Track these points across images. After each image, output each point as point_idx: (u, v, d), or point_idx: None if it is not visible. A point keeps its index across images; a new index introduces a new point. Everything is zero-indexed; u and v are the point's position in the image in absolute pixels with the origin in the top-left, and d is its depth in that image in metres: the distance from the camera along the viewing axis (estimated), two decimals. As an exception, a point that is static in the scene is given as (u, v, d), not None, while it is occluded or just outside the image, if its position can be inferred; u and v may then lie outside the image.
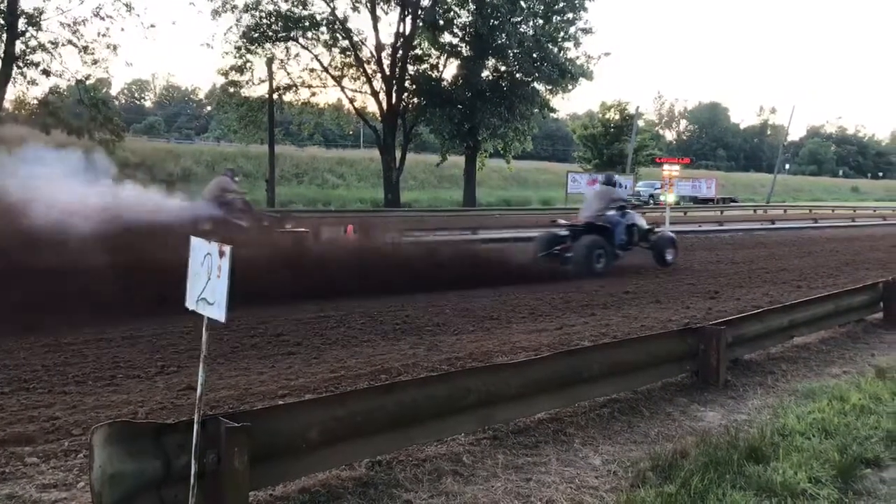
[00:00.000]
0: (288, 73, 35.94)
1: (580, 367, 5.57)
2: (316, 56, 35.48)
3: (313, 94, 36.72)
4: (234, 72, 35.39)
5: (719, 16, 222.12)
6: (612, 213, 14.26)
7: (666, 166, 26.93)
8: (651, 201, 49.32)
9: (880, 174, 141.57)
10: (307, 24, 34.63)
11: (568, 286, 12.20)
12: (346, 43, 35.31)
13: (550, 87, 37.13)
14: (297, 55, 35.63)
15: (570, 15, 35.89)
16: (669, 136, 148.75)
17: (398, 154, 36.48)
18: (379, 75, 35.50)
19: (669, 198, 27.30)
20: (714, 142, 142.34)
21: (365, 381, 6.33)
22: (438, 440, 4.85)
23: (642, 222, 15.02)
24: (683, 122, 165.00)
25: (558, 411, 5.56)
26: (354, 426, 4.28)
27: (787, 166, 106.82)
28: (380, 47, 35.34)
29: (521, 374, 5.25)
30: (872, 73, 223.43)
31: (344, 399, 4.47)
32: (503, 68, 37.17)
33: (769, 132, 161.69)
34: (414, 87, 36.59)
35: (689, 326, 6.81)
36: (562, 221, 15.30)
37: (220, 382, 6.15)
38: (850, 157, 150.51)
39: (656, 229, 15.96)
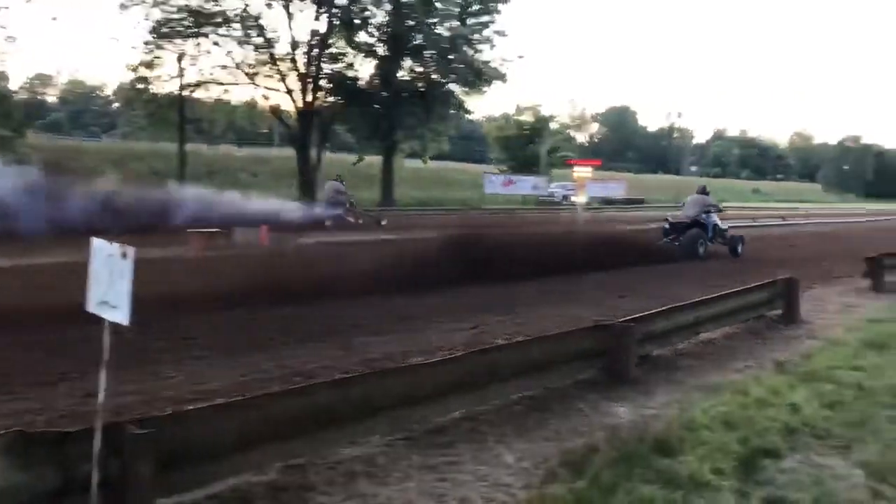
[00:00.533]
0: (199, 70, 35.09)
1: (494, 366, 5.64)
2: (228, 53, 34.74)
3: (226, 92, 35.97)
4: (142, 67, 34.31)
5: (627, 22, 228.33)
6: (704, 215, 18.29)
7: (577, 168, 27.52)
8: (564, 202, 50.30)
9: (779, 176, 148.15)
10: (219, 20, 33.85)
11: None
12: (259, 40, 34.70)
13: (466, 89, 37.40)
14: (208, 51, 34.79)
15: (485, 18, 36.28)
16: (581, 138, 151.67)
17: (314, 153, 36.06)
18: (294, 73, 35.05)
19: (581, 198, 27.92)
20: (624, 145, 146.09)
21: (278, 384, 6.21)
22: (353, 442, 4.82)
23: (721, 223, 18.92)
24: (595, 126, 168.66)
25: (472, 410, 5.59)
26: (267, 430, 4.22)
27: (693, 168, 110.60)
28: (294, 45, 34.89)
29: (436, 373, 5.29)
30: (772, 80, 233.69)
31: (256, 402, 4.40)
32: (419, 69, 37.27)
33: (676, 135, 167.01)
34: (330, 85, 36.26)
35: (600, 323, 6.96)
36: (670, 219, 18.78)
37: (126, 388, 5.92)
38: (751, 159, 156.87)
39: (730, 230, 19.55)
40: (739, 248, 18.91)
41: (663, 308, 7.86)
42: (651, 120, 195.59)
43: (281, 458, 4.39)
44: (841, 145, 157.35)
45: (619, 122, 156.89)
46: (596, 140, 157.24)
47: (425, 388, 5.10)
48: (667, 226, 18.56)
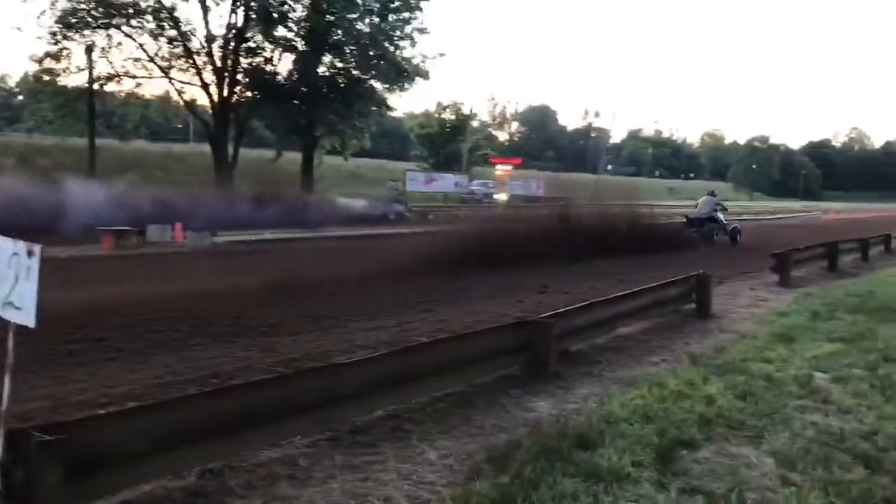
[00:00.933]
0: (110, 62, 33.82)
1: (417, 364, 5.61)
2: (141, 45, 33.61)
3: (138, 85, 34.79)
4: (49, 59, 32.84)
5: (547, 21, 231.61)
6: (715, 212, 23.33)
7: (499, 166, 27.73)
8: (485, 200, 50.73)
9: (692, 175, 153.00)
10: (131, 11, 32.73)
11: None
12: (173, 32, 33.71)
13: (388, 86, 37.21)
14: (119, 43, 33.53)
15: (406, 14, 36.12)
16: (502, 136, 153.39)
17: (231, 149, 35.26)
18: (210, 67, 34.17)
19: (502, 196, 28.17)
20: (543, 143, 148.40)
21: (194, 386, 6.04)
22: (273, 444, 4.71)
23: (724, 219, 23.80)
24: (515, 124, 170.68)
25: (396, 408, 5.55)
26: (183, 433, 4.09)
27: (609, 167, 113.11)
28: (210, 38, 34.02)
29: (359, 372, 5.22)
30: (684, 81, 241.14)
31: (171, 406, 4.26)
32: (340, 65, 36.86)
33: (593, 134, 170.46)
34: (247, 80, 35.51)
35: (523, 320, 7.02)
36: (689, 216, 23.41)
37: (33, 393, 5.66)
38: (665, 158, 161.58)
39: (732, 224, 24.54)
40: (738, 238, 23.88)
41: (582, 304, 7.99)
42: (570, 119, 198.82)
43: (198, 462, 4.25)
44: (750, 145, 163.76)
45: (539, 122, 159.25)
46: (516, 139, 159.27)
47: (348, 387, 5.03)
48: (686, 220, 23.55)
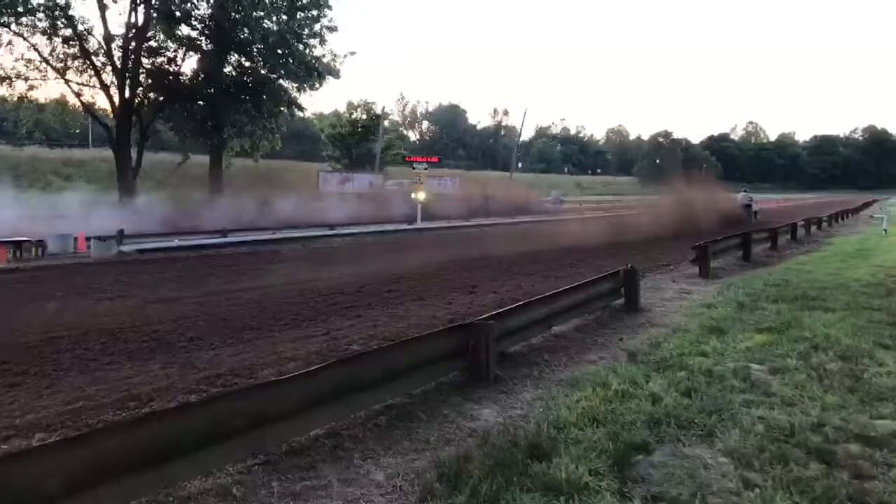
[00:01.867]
0: (-1, 64, 31.83)
1: (358, 376, 5.26)
2: (33, 45, 31.72)
3: (31, 88, 32.82)
4: (-72, 59, 30.64)
5: (453, 19, 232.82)
6: (749, 201, 33.53)
7: (417, 165, 27.46)
8: (402, 199, 50.35)
9: (598, 170, 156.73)
10: (20, 8, 30.84)
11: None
12: (69, 31, 31.94)
13: (297, 85, 36.31)
14: (9, 43, 31.58)
15: (315, 12, 35.32)
16: (413, 136, 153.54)
17: (134, 153, 33.70)
18: (109, 68, 32.54)
19: (420, 195, 27.87)
20: (454, 142, 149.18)
21: (110, 411, 5.54)
22: (203, 474, 4.29)
23: (754, 205, 33.71)
24: (426, 123, 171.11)
25: (334, 425, 5.20)
26: (103, 469, 3.65)
27: (520, 164, 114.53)
28: (109, 38, 32.38)
29: (294, 389, 4.84)
30: (589, 78, 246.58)
31: (88, 439, 3.79)
32: (248, 64, 35.76)
33: (503, 133, 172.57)
34: (150, 81, 34.01)
35: (458, 323, 6.75)
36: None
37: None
38: (573, 155, 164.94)
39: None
40: (757, 216, 33.00)
41: (517, 304, 7.78)
42: (480, 118, 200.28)
43: (119, 499, 3.80)
44: (653, 140, 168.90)
45: (449, 120, 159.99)
46: (427, 138, 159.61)
47: (284, 405, 4.64)
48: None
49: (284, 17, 35.07)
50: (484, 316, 6.97)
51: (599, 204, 61.43)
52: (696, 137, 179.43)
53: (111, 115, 33.83)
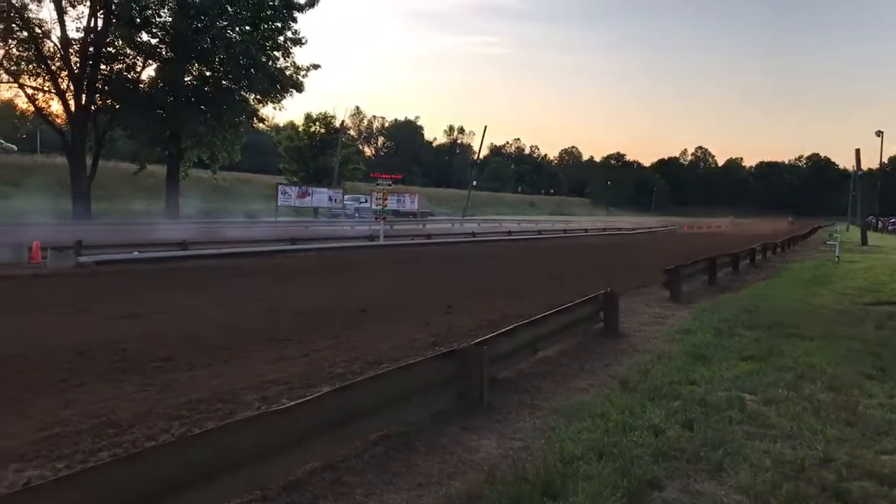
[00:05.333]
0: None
1: (356, 404, 5.02)
2: (-15, 47, 30.77)
3: (-19, 90, 31.86)
4: None
5: (408, 34, 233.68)
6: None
7: (380, 181, 27.24)
8: (357, 215, 50.00)
9: (552, 191, 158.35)
10: (-27, 10, 29.90)
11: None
12: (24, 34, 31.00)
13: (259, 97, 35.81)
14: (-39, 44, 30.58)
15: (279, 24, 34.93)
16: (368, 151, 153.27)
17: (89, 161, 32.79)
18: (65, 73, 31.66)
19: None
20: (409, 158, 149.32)
21: (88, 438, 5.19)
22: (201, 512, 4.00)
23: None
24: (381, 139, 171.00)
25: (331, 457, 4.94)
26: (98, 509, 3.35)
27: (475, 182, 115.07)
28: (66, 42, 31.53)
29: (292, 419, 4.58)
30: (544, 100, 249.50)
31: (76, 480, 3.48)
32: (208, 73, 35.15)
33: (458, 150, 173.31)
34: (107, 88, 33.18)
35: (453, 349, 6.55)
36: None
37: None
38: (526, 174, 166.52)
39: None
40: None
41: (506, 329, 7.60)
42: (435, 135, 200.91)
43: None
44: (605, 163, 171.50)
45: (406, 137, 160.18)
46: (382, 153, 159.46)
47: (284, 436, 4.38)
48: None
49: (248, 27, 34.62)
50: (476, 340, 6.79)
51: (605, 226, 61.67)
52: (647, 160, 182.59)
53: (65, 122, 32.89)
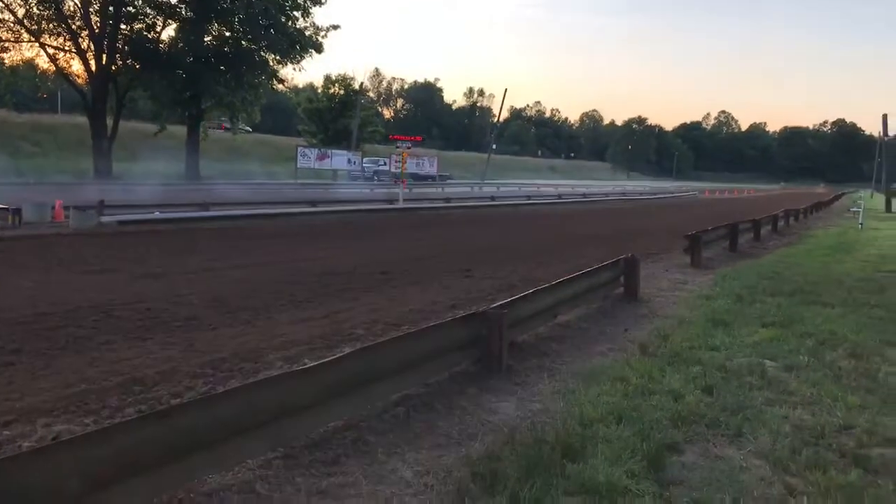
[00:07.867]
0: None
1: (377, 365, 5.07)
2: (7, 5, 30.71)
3: (4, 50, 31.82)
4: None
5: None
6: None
7: (400, 143, 27.14)
8: (376, 178, 49.88)
9: (572, 154, 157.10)
10: (-7, -33, 29.85)
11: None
12: (45, -8, 30.94)
13: (279, 58, 35.63)
14: (-20, 3, 30.54)
15: (299, -17, 34.62)
16: (388, 113, 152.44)
17: (110, 121, 32.89)
18: (86, 32, 31.62)
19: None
20: (428, 121, 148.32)
21: (115, 395, 5.28)
22: (225, 469, 4.07)
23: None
24: (400, 101, 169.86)
25: (352, 416, 4.99)
26: (124, 465, 3.42)
27: (494, 146, 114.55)
28: (86, 1, 31.46)
29: (315, 379, 4.62)
30: (565, 62, 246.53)
31: (109, 434, 3.54)
32: (228, 34, 34.98)
33: (478, 113, 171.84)
34: (127, 48, 33.14)
35: (473, 312, 6.57)
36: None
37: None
38: (547, 138, 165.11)
39: None
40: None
41: (526, 293, 7.60)
42: (455, 97, 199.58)
43: (141, 497, 3.58)
44: (627, 126, 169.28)
45: (425, 99, 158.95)
46: (402, 116, 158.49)
47: (306, 396, 4.43)
48: None
49: (268, -14, 34.33)
50: (496, 304, 6.80)
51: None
52: (669, 125, 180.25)
53: (86, 81, 32.95)
